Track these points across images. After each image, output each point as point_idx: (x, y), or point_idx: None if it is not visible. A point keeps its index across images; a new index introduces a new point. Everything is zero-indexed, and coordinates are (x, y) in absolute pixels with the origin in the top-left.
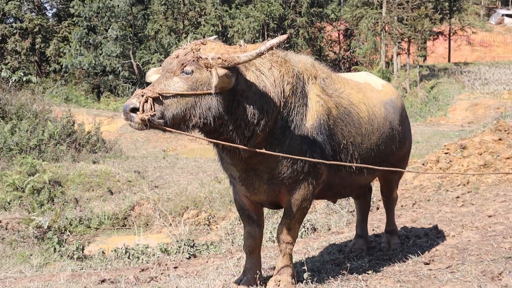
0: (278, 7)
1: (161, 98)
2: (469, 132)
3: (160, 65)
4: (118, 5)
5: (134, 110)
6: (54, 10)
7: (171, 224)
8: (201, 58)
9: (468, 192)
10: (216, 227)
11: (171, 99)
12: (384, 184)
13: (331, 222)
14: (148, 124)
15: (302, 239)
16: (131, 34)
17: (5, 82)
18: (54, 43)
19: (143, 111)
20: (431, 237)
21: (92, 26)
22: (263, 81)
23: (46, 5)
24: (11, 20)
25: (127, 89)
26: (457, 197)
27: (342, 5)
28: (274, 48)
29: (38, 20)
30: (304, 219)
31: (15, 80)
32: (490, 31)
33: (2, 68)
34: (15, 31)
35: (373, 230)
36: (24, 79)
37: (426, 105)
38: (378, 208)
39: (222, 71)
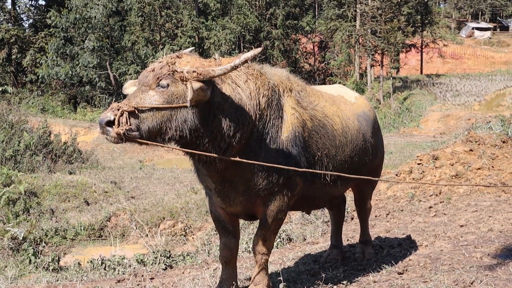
0: (254, 19)
1: (136, 112)
2: (441, 143)
3: (137, 77)
4: (95, 16)
5: (110, 123)
6: (31, 21)
7: (147, 235)
8: (177, 71)
9: (441, 202)
10: (193, 238)
11: (147, 112)
12: (358, 195)
13: (306, 232)
14: (124, 138)
15: (277, 250)
16: (108, 45)
17: None
18: (31, 54)
19: (119, 124)
20: (405, 247)
21: (69, 37)
22: (239, 93)
23: (22, 16)
24: None
25: (104, 100)
26: (430, 207)
27: (317, 17)
28: (248, 61)
29: (15, 31)
30: (280, 230)
31: None
32: (461, 44)
33: None
34: None
35: (348, 240)
36: (0, 89)
37: (399, 116)
38: (352, 219)
39: (197, 85)
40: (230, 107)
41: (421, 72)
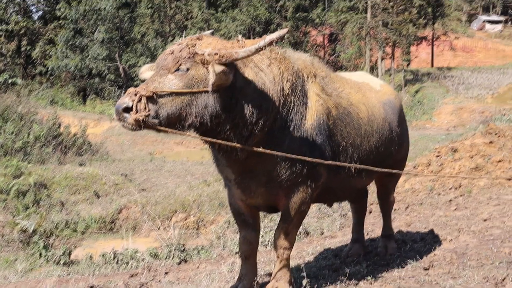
0: (264, 12)
1: (155, 97)
2: (456, 136)
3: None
4: (104, 8)
5: (127, 110)
6: (40, 12)
7: (159, 228)
8: (197, 54)
9: (461, 195)
10: (205, 231)
11: (166, 97)
12: (381, 188)
13: (323, 226)
14: (142, 125)
15: (295, 244)
16: (117, 37)
17: None
18: (40, 46)
19: (137, 111)
20: (428, 241)
21: (78, 28)
22: (262, 78)
23: (32, 7)
24: None
25: (113, 92)
26: (450, 200)
27: (327, 10)
28: (273, 44)
29: (24, 23)
30: None
31: (0, 82)
32: (471, 37)
33: None
34: (0, 33)
35: (367, 234)
36: (10, 81)
37: (411, 109)
38: (370, 212)
39: (219, 68)
40: (253, 92)
41: (432, 65)
